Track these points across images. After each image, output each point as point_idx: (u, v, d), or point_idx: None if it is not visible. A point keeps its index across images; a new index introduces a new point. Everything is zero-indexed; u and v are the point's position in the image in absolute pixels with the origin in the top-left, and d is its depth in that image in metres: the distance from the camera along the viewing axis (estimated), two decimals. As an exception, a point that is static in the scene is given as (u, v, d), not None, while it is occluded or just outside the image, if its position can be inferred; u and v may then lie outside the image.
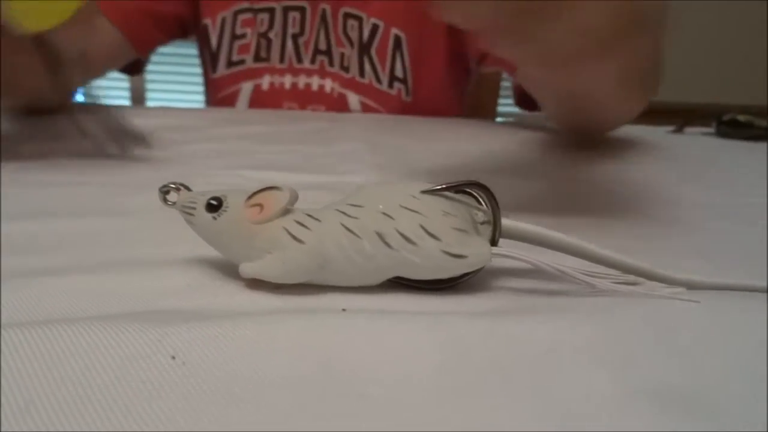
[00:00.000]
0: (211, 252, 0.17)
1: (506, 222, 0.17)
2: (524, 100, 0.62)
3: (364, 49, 0.67)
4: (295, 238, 0.16)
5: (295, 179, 0.22)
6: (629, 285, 0.17)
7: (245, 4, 0.67)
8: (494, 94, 1.03)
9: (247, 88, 0.70)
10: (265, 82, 0.69)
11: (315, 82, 0.69)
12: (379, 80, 0.68)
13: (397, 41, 0.67)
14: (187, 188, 0.17)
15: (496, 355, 0.13)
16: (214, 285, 0.16)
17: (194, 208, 0.16)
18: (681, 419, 0.11)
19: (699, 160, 0.47)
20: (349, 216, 0.16)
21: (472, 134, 0.60)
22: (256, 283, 0.16)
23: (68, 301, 0.14)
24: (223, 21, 0.68)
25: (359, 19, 0.67)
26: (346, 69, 0.68)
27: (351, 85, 0.69)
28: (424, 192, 0.16)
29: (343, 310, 0.15)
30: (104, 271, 0.16)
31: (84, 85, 0.57)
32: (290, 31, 0.67)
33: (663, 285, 0.17)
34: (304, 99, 0.69)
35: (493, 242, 0.17)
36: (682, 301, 0.16)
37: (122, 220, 0.22)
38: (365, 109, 0.70)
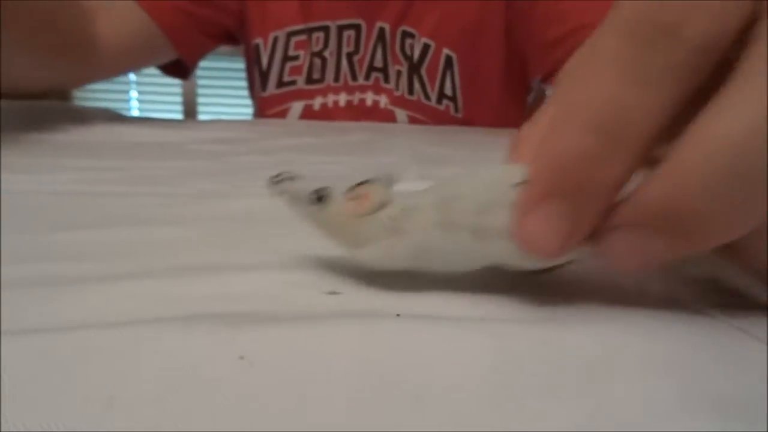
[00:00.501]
0: (273, 257, 0.17)
1: None
2: None
3: (414, 68, 0.68)
4: (394, 230, 0.16)
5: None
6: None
7: (299, 26, 0.68)
8: (543, 99, 1.02)
9: (297, 107, 0.71)
10: (317, 103, 0.70)
11: (369, 97, 0.70)
12: (427, 98, 0.69)
13: (449, 61, 0.67)
14: (293, 179, 0.17)
15: (550, 361, 0.13)
16: (276, 290, 0.17)
17: (299, 199, 0.17)
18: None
19: None
20: (444, 209, 0.16)
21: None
22: (312, 286, 0.17)
23: (139, 304, 0.15)
24: (275, 41, 0.69)
25: (414, 36, 0.67)
26: (396, 86, 0.69)
27: (399, 102, 0.69)
28: (519, 184, 0.15)
29: (398, 315, 0.15)
30: (173, 277, 0.17)
31: (116, 73, 0.59)
32: (345, 50, 0.68)
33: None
34: (357, 114, 0.70)
35: None
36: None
37: (183, 228, 0.23)
38: (412, 121, 0.70)
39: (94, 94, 2.21)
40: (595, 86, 0.13)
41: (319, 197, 0.17)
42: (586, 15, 0.57)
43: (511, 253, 0.15)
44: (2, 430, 0.09)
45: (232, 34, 0.71)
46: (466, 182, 0.16)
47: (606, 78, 0.13)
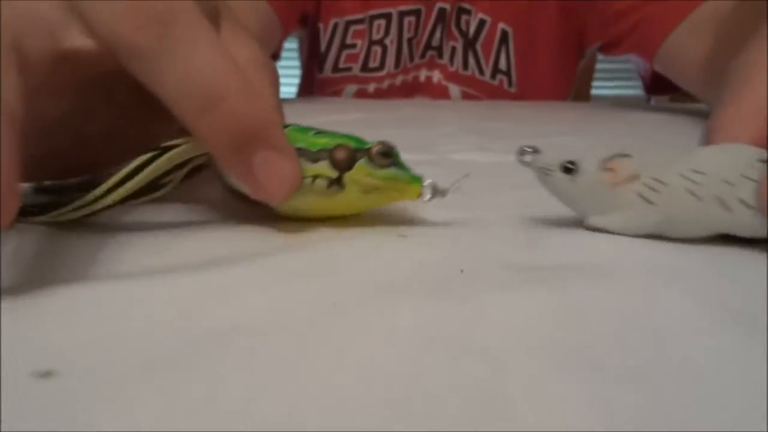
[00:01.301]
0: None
1: None
2: (656, 87, 0.61)
3: (469, 44, 0.68)
4: (646, 200, 0.18)
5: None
6: None
7: (359, 15, 0.68)
8: (588, 78, 1.01)
9: (351, 89, 0.72)
10: (371, 87, 0.71)
11: (423, 74, 0.70)
12: (482, 73, 0.69)
13: (504, 36, 0.68)
14: (538, 151, 0.20)
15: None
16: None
17: (552, 170, 0.19)
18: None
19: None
20: (693, 182, 0.18)
21: (565, 117, 0.60)
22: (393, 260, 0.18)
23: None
24: (335, 27, 0.69)
25: (470, 12, 0.67)
26: (451, 61, 0.69)
27: (453, 77, 0.70)
28: (761, 161, 0.18)
29: (461, 271, 0.16)
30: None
31: None
32: (406, 36, 0.68)
33: None
34: (410, 91, 0.71)
35: None
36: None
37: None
38: (465, 97, 0.70)
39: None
40: None
41: (572, 168, 0.19)
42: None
43: (750, 222, 0.17)
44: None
45: (306, 19, 0.71)
46: (707, 158, 0.18)
47: None
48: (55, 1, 0.17)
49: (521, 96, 0.70)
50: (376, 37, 0.69)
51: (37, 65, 0.16)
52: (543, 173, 0.19)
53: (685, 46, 0.53)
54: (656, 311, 0.14)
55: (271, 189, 0.17)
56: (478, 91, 0.70)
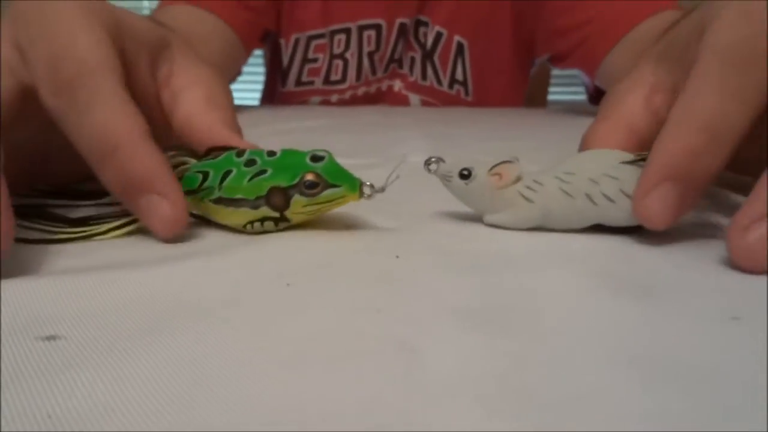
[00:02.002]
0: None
1: None
2: (599, 97, 0.65)
3: (427, 55, 0.71)
4: (526, 198, 0.21)
5: (354, 162, 0.27)
6: None
7: (320, 30, 0.70)
8: (544, 83, 1.05)
9: (315, 100, 0.75)
10: (334, 98, 0.73)
11: (385, 84, 0.73)
12: (440, 83, 0.72)
13: (460, 48, 0.71)
14: (443, 161, 0.23)
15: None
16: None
17: (451, 176, 0.22)
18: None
19: None
20: (564, 181, 0.21)
21: (519, 122, 0.64)
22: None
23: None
24: (296, 42, 0.71)
25: (427, 24, 0.70)
26: (411, 72, 0.72)
27: (413, 87, 0.73)
28: (622, 163, 0.21)
29: (397, 256, 0.19)
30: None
31: None
32: (366, 49, 0.71)
33: None
34: (373, 100, 0.74)
35: None
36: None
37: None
38: (425, 104, 0.74)
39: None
40: (704, 99, 0.19)
41: (467, 174, 0.21)
42: (597, 7, 0.61)
43: (614, 214, 0.21)
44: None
45: (267, 35, 0.72)
46: (576, 162, 0.22)
47: (713, 93, 0.18)
48: (12, 45, 0.20)
49: (477, 104, 0.73)
50: (336, 51, 0.71)
51: (6, 101, 0.20)
52: (445, 179, 0.22)
53: (618, 65, 0.58)
54: (550, 284, 0.17)
55: (155, 227, 0.20)
56: (436, 100, 0.74)
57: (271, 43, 0.74)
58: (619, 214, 0.21)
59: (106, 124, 0.19)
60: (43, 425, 0.10)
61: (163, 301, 0.16)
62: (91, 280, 0.17)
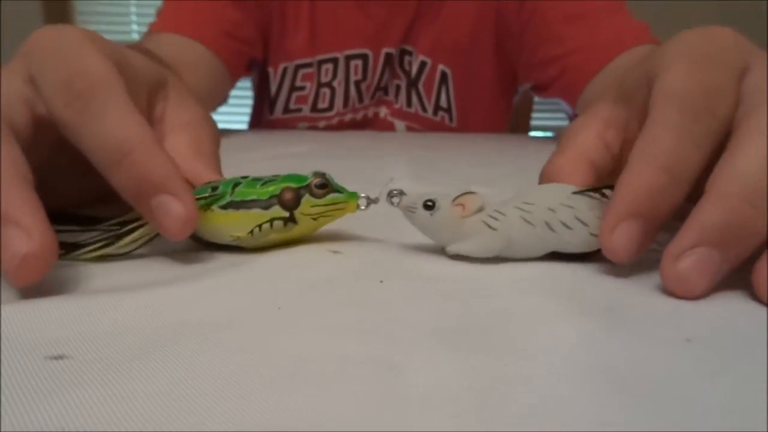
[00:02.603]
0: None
1: None
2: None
3: (412, 83, 0.74)
4: (490, 227, 0.22)
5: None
6: None
7: (307, 59, 0.72)
8: (527, 109, 1.07)
9: (302, 126, 0.76)
10: (321, 124, 0.75)
11: (371, 110, 0.75)
12: (424, 110, 0.75)
13: (444, 77, 0.73)
14: (403, 193, 0.24)
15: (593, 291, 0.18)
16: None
17: (415, 208, 0.23)
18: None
19: None
20: (524, 211, 0.22)
21: (498, 147, 0.66)
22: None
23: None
24: (284, 71, 0.73)
25: (411, 54, 0.73)
26: (396, 99, 0.74)
27: (398, 114, 0.75)
28: (575, 193, 0.23)
29: (381, 281, 0.21)
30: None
31: None
32: (353, 78, 0.73)
33: None
34: (360, 126, 0.75)
35: None
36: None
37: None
38: (410, 130, 0.76)
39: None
40: (664, 142, 0.20)
41: (431, 205, 0.23)
42: (577, 40, 0.63)
43: (571, 240, 0.22)
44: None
45: (254, 63, 0.73)
46: (534, 194, 0.23)
47: (671, 138, 0.20)
48: (25, 78, 0.22)
49: (461, 130, 0.76)
50: (324, 80, 0.73)
51: (22, 131, 0.21)
52: (408, 211, 0.23)
53: (596, 95, 0.60)
54: (521, 307, 0.19)
55: (166, 226, 0.20)
56: (421, 126, 0.76)
57: (258, 71, 0.75)
58: (575, 240, 0.22)
59: (119, 130, 0.20)
60: (57, 437, 0.11)
61: (160, 324, 0.17)
62: (95, 303, 0.18)
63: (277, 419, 0.12)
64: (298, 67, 0.72)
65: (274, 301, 0.19)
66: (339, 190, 0.24)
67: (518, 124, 0.98)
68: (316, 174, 0.23)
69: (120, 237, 0.22)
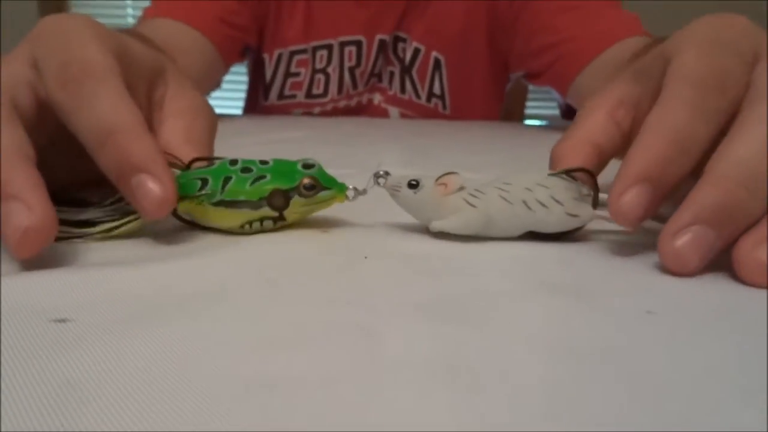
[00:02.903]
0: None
1: (601, 195, 0.24)
2: (570, 113, 0.69)
3: (405, 70, 0.75)
4: (470, 204, 0.23)
5: (333, 171, 0.29)
6: None
7: (302, 45, 0.73)
8: (522, 98, 1.08)
9: (297, 111, 0.77)
10: (316, 110, 0.76)
11: (365, 97, 0.77)
12: (418, 96, 0.76)
13: (437, 63, 0.74)
14: (388, 174, 0.25)
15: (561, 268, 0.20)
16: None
17: (400, 187, 0.24)
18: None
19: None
20: (503, 190, 0.24)
21: (492, 135, 0.67)
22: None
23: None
24: (279, 57, 0.74)
25: (405, 40, 0.74)
26: (390, 86, 0.76)
27: (392, 100, 0.76)
28: (550, 175, 0.24)
29: (365, 257, 0.22)
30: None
31: None
32: (347, 64, 0.74)
33: None
34: (354, 113, 0.77)
35: (593, 208, 0.24)
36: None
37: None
38: (404, 117, 0.77)
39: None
40: (676, 116, 0.22)
41: (415, 184, 0.24)
42: (571, 30, 0.65)
43: (547, 218, 0.24)
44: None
45: (248, 49, 0.74)
46: (513, 176, 0.24)
47: (683, 112, 0.22)
48: (29, 63, 0.23)
49: (454, 117, 0.77)
50: (318, 66, 0.74)
51: (26, 112, 0.22)
52: (393, 190, 0.24)
53: (588, 85, 0.61)
54: (496, 285, 0.20)
55: (144, 206, 0.21)
56: (414, 112, 0.77)
57: (253, 57, 0.76)
58: (552, 218, 0.23)
59: (107, 113, 0.21)
60: (62, 388, 0.13)
61: (156, 293, 0.18)
62: (93, 275, 0.19)
63: (262, 375, 0.13)
64: (292, 54, 0.74)
65: (265, 274, 0.20)
66: (328, 184, 0.24)
67: (512, 113, 0.99)
68: (305, 165, 0.24)
69: (122, 220, 0.23)
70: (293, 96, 0.76)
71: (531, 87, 1.00)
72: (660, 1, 1.58)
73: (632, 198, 0.21)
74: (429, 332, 0.16)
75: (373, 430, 0.12)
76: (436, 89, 0.75)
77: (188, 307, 0.17)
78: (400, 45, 0.74)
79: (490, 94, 0.79)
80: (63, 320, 0.16)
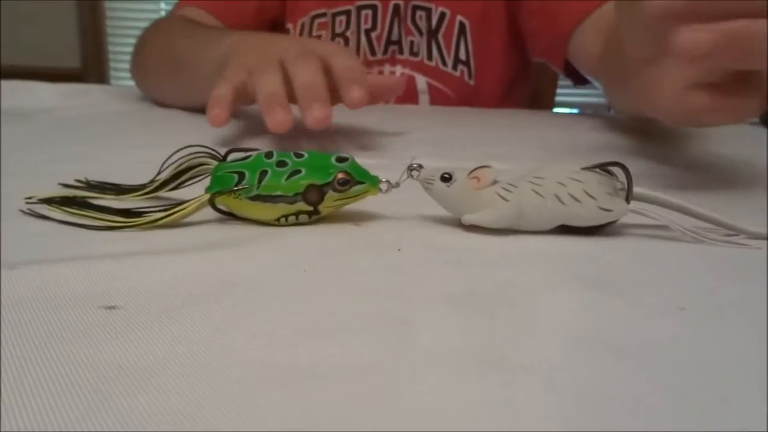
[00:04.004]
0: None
1: (636, 189, 0.24)
2: (573, 74, 0.70)
3: (432, 34, 0.76)
4: (503, 198, 0.24)
5: (368, 161, 0.30)
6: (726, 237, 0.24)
7: (322, 9, 0.76)
8: (553, 84, 1.06)
9: None
10: None
11: (386, 69, 0.78)
12: (444, 63, 0.77)
13: (462, 27, 0.76)
14: (422, 166, 0.25)
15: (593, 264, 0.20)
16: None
17: (433, 180, 0.25)
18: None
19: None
20: (536, 184, 0.24)
21: (519, 124, 0.66)
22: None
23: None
24: (303, 26, 0.77)
25: (427, 10, 0.76)
26: (416, 54, 0.77)
27: (419, 67, 0.77)
28: (583, 169, 0.24)
29: (399, 249, 0.22)
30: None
31: None
32: (363, 27, 0.76)
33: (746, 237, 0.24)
34: None
35: (627, 202, 0.24)
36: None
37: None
38: (431, 89, 0.78)
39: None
40: None
41: (448, 177, 0.24)
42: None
43: (580, 212, 0.24)
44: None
45: (276, 25, 0.79)
46: (546, 169, 0.25)
47: None
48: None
49: (479, 89, 0.77)
50: (338, 30, 0.77)
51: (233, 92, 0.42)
52: (427, 183, 0.25)
53: (589, 42, 0.62)
54: (527, 278, 0.20)
55: (310, 119, 0.38)
56: (441, 82, 0.78)
57: (281, 32, 0.79)
58: (584, 212, 0.24)
59: (312, 75, 0.40)
60: (115, 374, 0.13)
61: (199, 282, 0.19)
62: (140, 263, 0.20)
63: (301, 363, 0.14)
64: (313, 18, 0.77)
65: (300, 265, 0.20)
66: (361, 178, 0.25)
67: (542, 100, 0.98)
68: (339, 158, 0.25)
69: (169, 212, 0.24)
70: None
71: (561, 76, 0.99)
72: None
73: (689, 33, 0.23)
74: (461, 324, 0.16)
75: (406, 420, 0.12)
76: (462, 55, 0.77)
77: (230, 296, 0.18)
78: (418, 13, 0.76)
79: (511, 61, 0.80)
80: (112, 307, 0.17)
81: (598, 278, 0.20)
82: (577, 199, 0.23)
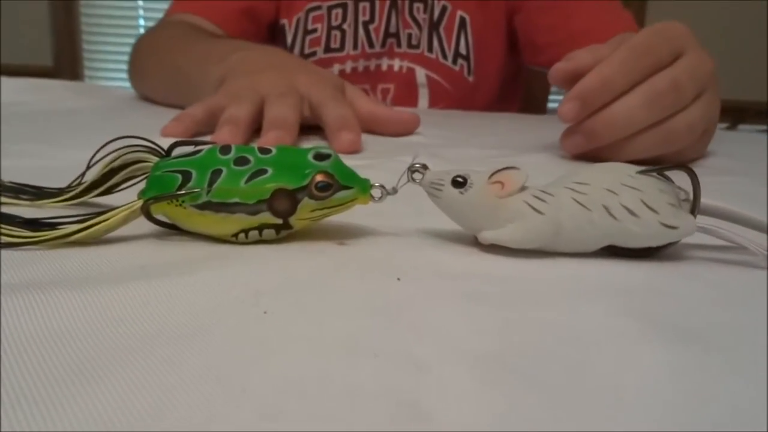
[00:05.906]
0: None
1: (703, 201, 0.19)
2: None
3: (433, 27, 0.76)
4: (535, 209, 0.18)
5: (353, 162, 0.24)
6: None
7: (317, 3, 0.75)
8: (545, 91, 1.05)
9: None
10: (335, 69, 0.76)
11: (384, 62, 0.77)
12: (444, 56, 0.76)
13: (462, 21, 0.76)
14: (426, 168, 0.19)
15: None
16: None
17: (442, 185, 0.18)
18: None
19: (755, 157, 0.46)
20: (578, 192, 0.18)
21: (517, 127, 0.61)
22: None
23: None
24: (298, 21, 0.76)
25: (425, 2, 0.75)
26: (416, 46, 0.76)
27: (419, 60, 0.77)
28: (639, 173, 0.18)
29: (398, 279, 0.16)
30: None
31: None
32: (361, 19, 0.75)
33: None
34: (375, 79, 0.77)
35: (693, 216, 0.19)
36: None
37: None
38: (431, 82, 0.77)
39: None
40: (610, 66, 0.36)
41: (462, 182, 0.18)
42: (575, 23, 0.67)
43: (635, 230, 0.18)
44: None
45: (271, 26, 0.78)
46: (588, 172, 0.19)
47: (615, 65, 0.36)
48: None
49: (478, 86, 0.76)
50: (334, 23, 0.75)
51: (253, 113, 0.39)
52: (434, 189, 0.19)
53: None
54: (583, 324, 0.14)
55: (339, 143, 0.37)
56: (441, 76, 0.76)
57: (276, 30, 0.78)
58: (641, 230, 0.18)
59: (345, 111, 0.40)
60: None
61: (108, 330, 0.13)
62: (33, 299, 0.14)
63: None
64: (308, 12, 0.75)
65: (260, 303, 0.14)
66: (347, 182, 0.19)
67: (536, 106, 0.96)
68: (318, 155, 0.18)
69: (92, 222, 0.18)
70: (313, 53, 0.77)
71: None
72: (663, 0, 1.60)
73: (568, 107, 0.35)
74: (499, 409, 0.11)
75: None
76: (462, 49, 0.76)
77: (147, 355, 0.12)
78: (416, 5, 0.75)
79: (509, 67, 0.79)
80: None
81: (682, 323, 0.14)
82: (633, 213, 0.18)
